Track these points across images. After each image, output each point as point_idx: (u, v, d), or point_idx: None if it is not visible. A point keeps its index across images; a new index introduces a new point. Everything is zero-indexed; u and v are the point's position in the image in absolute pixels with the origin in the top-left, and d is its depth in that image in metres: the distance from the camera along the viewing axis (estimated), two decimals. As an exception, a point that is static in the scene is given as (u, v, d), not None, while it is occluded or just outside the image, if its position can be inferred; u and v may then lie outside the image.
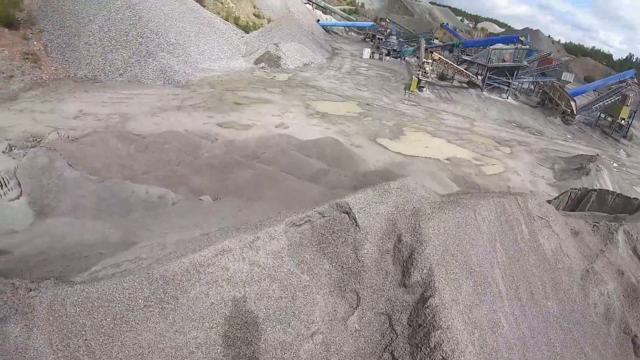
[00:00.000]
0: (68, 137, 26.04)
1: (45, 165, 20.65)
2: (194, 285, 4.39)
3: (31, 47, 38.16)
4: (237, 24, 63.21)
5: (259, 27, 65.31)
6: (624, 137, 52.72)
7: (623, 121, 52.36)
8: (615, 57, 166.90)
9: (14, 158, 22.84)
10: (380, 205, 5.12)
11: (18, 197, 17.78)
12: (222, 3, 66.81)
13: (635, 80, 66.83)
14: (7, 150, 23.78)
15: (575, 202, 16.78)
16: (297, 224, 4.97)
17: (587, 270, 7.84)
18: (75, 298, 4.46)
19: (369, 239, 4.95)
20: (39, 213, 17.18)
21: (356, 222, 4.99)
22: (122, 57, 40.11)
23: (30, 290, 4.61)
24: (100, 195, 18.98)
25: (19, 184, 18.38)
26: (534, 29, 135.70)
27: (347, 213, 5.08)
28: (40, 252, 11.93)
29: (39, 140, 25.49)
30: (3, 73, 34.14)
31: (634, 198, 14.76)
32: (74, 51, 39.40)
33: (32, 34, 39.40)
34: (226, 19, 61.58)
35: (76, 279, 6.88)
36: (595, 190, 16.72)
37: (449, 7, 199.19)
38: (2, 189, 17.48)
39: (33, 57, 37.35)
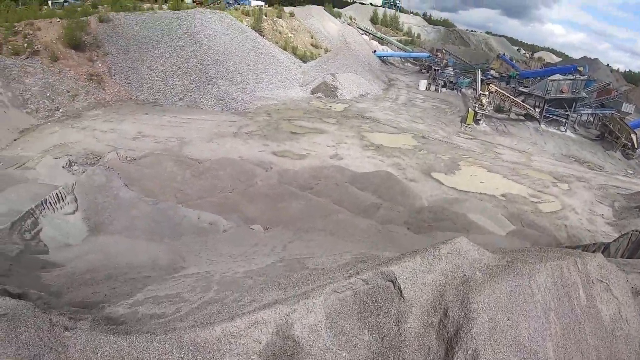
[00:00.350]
0: (126, 157, 27.10)
1: (102, 184, 21.48)
2: (224, 355, 4.24)
3: (96, 69, 40.61)
4: (294, 54, 64.52)
5: (316, 57, 66.44)
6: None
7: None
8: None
9: (73, 174, 23.99)
10: (428, 275, 4.80)
11: (74, 212, 18.53)
12: (280, 33, 68.56)
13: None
14: (67, 166, 25.01)
15: (636, 245, 15.73)
16: (339, 291, 4.75)
17: (647, 338, 7.19)
18: (107, 349, 4.41)
19: (414, 312, 4.63)
20: (92, 229, 17.80)
21: (401, 292, 4.70)
22: (182, 83, 41.80)
23: (67, 330, 4.60)
24: (153, 217, 19.47)
25: (76, 200, 19.16)
26: (592, 57, 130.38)
27: (392, 282, 4.80)
28: (90, 270, 12.19)
29: (98, 158, 26.69)
30: (69, 92, 36.39)
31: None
32: (136, 75, 41.51)
33: (97, 56, 42.00)
34: (284, 49, 63.12)
35: (118, 310, 6.95)
36: (657, 233, 15.70)
37: (505, 37, 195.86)
38: (59, 203, 18.25)
39: (97, 78, 39.73)
